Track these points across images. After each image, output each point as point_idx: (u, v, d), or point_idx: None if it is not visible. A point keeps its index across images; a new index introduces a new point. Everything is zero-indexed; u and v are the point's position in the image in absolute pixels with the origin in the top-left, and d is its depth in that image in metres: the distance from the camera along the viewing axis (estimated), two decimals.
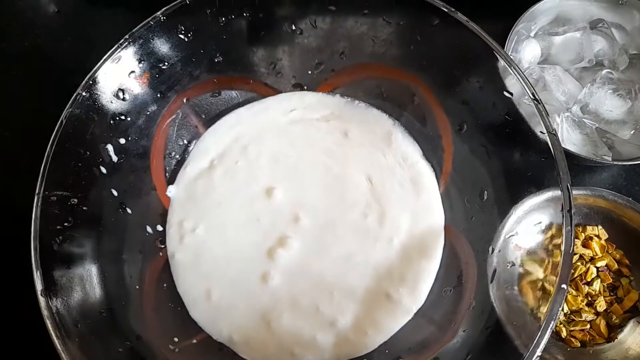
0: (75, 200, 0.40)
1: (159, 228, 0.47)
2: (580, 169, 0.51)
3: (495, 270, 0.41)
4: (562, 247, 0.35)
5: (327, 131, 0.49)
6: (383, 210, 0.46)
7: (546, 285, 0.37)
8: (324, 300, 0.44)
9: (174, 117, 0.48)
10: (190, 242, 0.46)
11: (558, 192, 0.37)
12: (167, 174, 0.49)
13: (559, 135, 0.48)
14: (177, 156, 0.50)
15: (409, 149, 0.48)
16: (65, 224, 0.39)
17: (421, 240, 0.46)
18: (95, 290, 0.40)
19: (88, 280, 0.40)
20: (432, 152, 0.48)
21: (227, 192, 0.48)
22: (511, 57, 0.42)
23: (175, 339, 0.42)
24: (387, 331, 0.43)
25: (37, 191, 0.38)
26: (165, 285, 0.45)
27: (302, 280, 0.45)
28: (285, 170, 0.48)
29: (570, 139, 0.49)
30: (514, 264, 0.42)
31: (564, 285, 0.35)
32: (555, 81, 0.49)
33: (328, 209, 0.47)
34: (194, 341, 0.43)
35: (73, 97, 0.40)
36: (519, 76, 0.39)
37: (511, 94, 0.40)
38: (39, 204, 0.37)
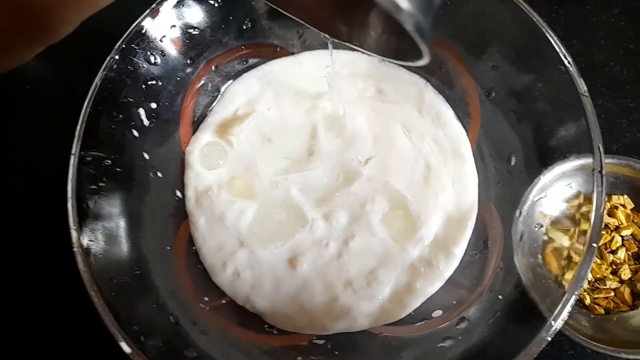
0: (109, 161, 0.41)
1: None
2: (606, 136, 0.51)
3: (522, 234, 0.41)
4: (593, 207, 0.35)
5: (364, 87, 0.50)
6: (428, 165, 0.46)
7: (572, 253, 0.38)
8: (360, 280, 0.43)
9: (202, 83, 0.48)
10: (207, 206, 0.46)
11: (587, 160, 0.37)
12: None
13: None
14: None
15: (442, 108, 0.48)
16: (100, 184, 0.40)
17: (459, 202, 0.46)
18: (129, 248, 0.41)
19: (121, 238, 0.40)
20: (459, 119, 0.48)
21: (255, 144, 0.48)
22: None
23: (206, 299, 0.43)
24: (422, 297, 0.43)
25: (73, 151, 0.39)
26: (194, 247, 0.46)
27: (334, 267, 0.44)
28: (325, 121, 0.48)
29: None
30: (541, 226, 0.42)
31: (594, 244, 0.35)
32: None
33: (379, 159, 0.47)
34: (223, 301, 0.44)
35: (107, 60, 0.41)
36: (551, 39, 0.39)
37: (542, 56, 0.40)
38: (76, 163, 0.38)
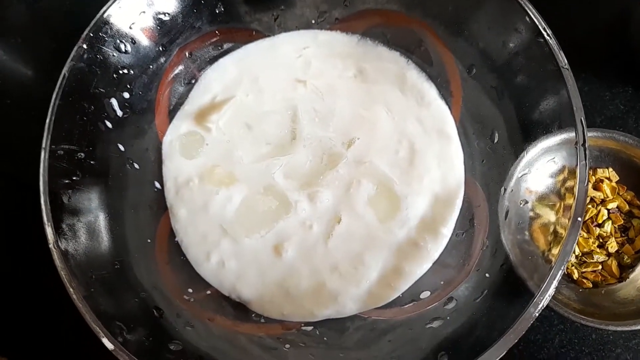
0: (82, 154, 0.40)
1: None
2: (589, 109, 0.51)
3: (507, 211, 0.41)
4: (577, 181, 0.35)
5: (343, 68, 0.48)
6: (412, 146, 0.45)
7: (558, 228, 0.37)
8: (346, 264, 0.43)
9: (177, 71, 0.47)
10: (189, 196, 0.45)
11: (570, 134, 0.36)
12: None
13: None
14: None
15: (425, 87, 0.47)
16: (74, 177, 0.39)
17: (445, 182, 0.45)
18: (107, 243, 0.40)
19: (99, 233, 0.40)
20: (442, 97, 0.47)
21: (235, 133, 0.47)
22: None
23: (190, 290, 0.42)
24: (410, 279, 0.43)
25: (43, 145, 0.37)
26: (176, 239, 0.45)
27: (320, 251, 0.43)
28: (306, 104, 0.47)
29: None
30: (526, 202, 0.42)
31: (579, 219, 0.35)
32: None
33: (363, 140, 0.46)
34: (208, 292, 0.43)
35: (74, 49, 0.40)
36: (529, 11, 0.38)
37: (522, 30, 0.39)
38: (47, 158, 0.37)
